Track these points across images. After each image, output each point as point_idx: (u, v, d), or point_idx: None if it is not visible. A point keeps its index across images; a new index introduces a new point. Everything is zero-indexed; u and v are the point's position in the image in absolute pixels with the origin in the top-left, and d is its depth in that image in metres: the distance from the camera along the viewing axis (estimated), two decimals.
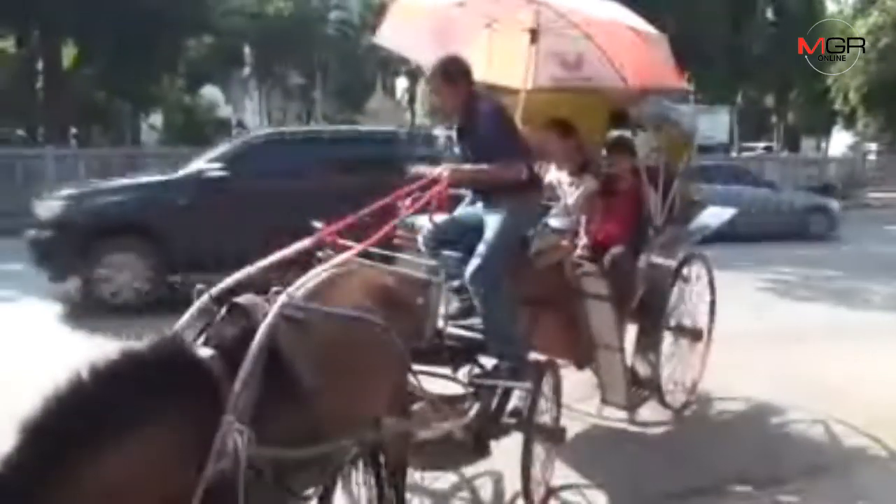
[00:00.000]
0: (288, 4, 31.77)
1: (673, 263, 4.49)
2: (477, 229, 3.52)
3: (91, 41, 19.83)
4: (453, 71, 3.42)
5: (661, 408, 4.55)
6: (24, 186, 15.25)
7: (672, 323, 4.66)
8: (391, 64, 37.62)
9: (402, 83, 42.34)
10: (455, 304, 3.59)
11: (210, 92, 27.14)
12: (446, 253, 3.56)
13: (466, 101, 3.47)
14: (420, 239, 3.62)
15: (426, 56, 4.15)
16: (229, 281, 2.23)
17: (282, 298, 2.12)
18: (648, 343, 4.43)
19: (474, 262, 3.34)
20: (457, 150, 3.70)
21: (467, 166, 3.49)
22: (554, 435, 3.64)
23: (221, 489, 1.72)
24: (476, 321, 3.49)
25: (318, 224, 2.91)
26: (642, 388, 4.41)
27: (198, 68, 26.41)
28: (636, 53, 3.96)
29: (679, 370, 4.69)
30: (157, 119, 24.92)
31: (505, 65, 4.35)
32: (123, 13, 17.59)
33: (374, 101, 26.88)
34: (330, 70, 35.48)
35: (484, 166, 3.42)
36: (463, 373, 3.50)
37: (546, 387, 3.60)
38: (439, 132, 11.97)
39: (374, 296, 2.53)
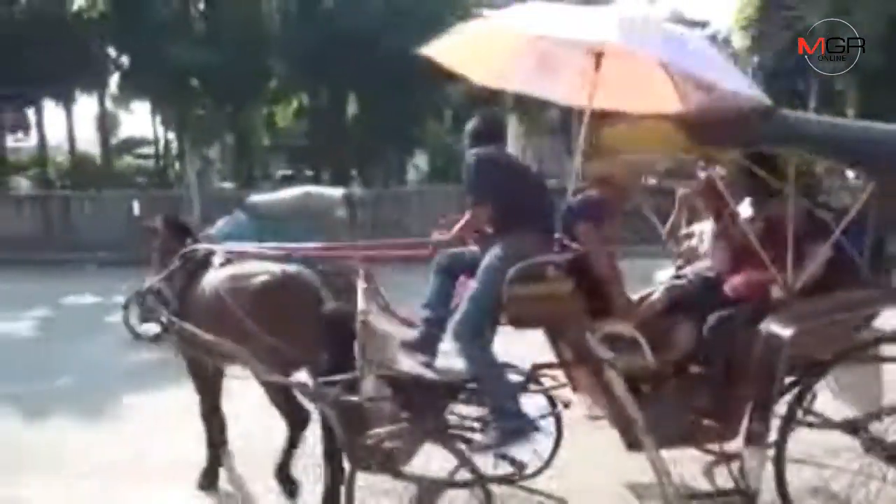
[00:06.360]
0: None
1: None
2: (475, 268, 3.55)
3: (369, 93, 22.04)
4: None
5: None
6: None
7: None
8: None
9: None
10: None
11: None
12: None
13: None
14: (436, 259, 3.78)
15: (529, 85, 4.32)
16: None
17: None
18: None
19: (455, 317, 3.42)
20: None
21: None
22: None
23: None
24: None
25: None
26: None
27: (460, 111, 27.98)
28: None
29: None
30: (422, 160, 26.92)
31: (626, 90, 3.86)
32: (397, 68, 19.31)
33: None
34: None
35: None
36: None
37: None
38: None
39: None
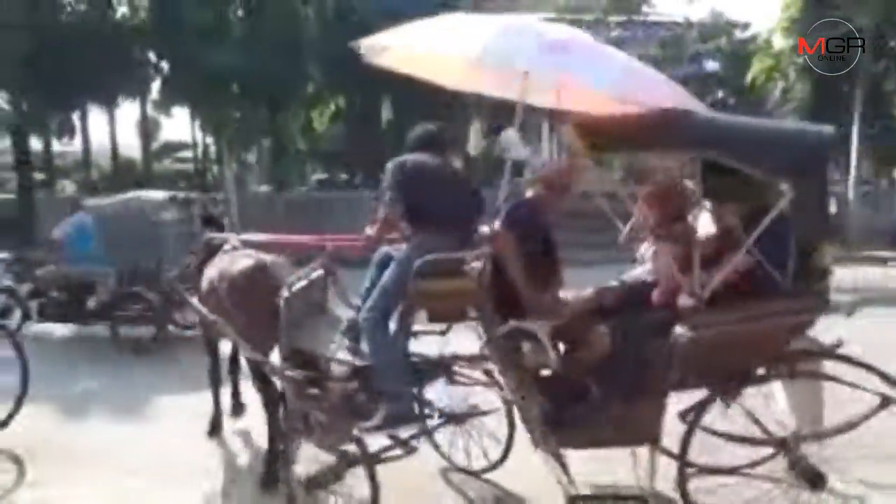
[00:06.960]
0: None
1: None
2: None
3: (403, 98, 22.08)
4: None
5: None
6: (348, 220, 17.95)
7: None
8: None
9: None
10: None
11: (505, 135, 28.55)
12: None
13: None
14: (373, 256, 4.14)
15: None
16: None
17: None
18: None
19: (364, 308, 3.81)
20: None
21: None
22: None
23: None
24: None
25: None
26: None
27: (496, 115, 27.96)
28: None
29: None
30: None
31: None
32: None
33: None
34: None
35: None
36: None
37: None
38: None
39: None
